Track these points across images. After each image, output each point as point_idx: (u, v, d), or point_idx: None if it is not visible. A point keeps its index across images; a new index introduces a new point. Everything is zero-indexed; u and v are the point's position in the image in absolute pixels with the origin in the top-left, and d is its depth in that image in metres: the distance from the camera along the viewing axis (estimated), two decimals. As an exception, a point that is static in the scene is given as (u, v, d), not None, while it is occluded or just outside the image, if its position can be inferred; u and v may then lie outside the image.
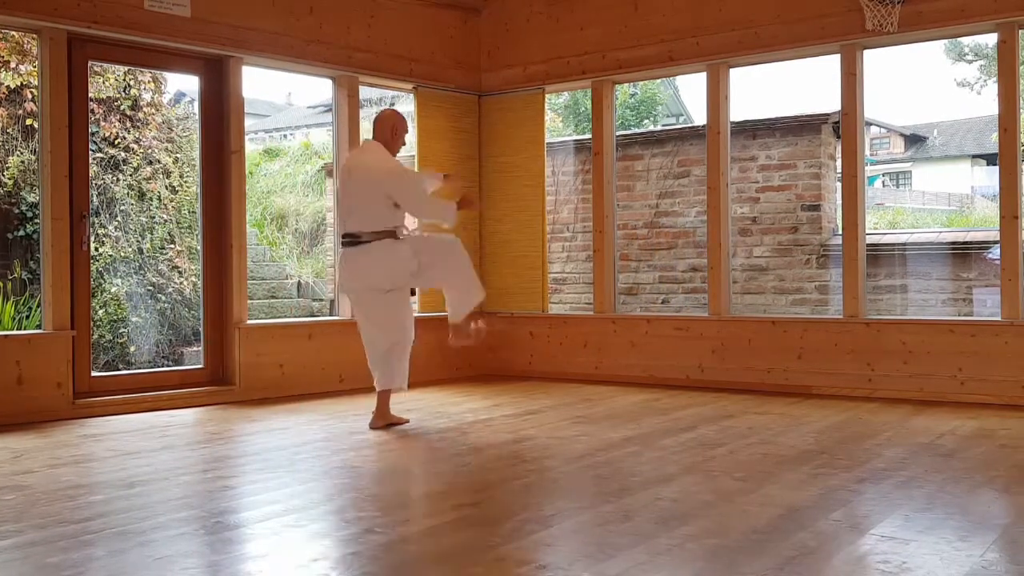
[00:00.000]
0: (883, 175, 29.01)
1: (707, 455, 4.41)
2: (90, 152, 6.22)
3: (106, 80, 8.88)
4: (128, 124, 9.09)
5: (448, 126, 7.78)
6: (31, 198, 8.31)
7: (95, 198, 8.59)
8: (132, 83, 9.08)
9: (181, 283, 9.12)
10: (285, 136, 26.12)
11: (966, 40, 26.02)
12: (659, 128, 19.89)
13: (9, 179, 8.46)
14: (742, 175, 8.34)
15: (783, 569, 2.71)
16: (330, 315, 9.89)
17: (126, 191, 9.04)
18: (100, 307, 8.58)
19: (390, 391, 5.30)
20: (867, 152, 8.35)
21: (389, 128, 5.27)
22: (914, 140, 31.30)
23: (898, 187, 28.60)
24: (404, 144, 5.36)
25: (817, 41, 6.47)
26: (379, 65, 7.28)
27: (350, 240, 5.13)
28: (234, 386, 6.38)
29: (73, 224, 5.81)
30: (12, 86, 8.36)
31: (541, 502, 3.65)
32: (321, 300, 10.63)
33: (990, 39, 12.70)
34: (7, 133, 8.54)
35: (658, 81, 22.52)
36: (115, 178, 8.97)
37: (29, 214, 8.33)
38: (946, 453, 4.41)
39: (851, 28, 6.31)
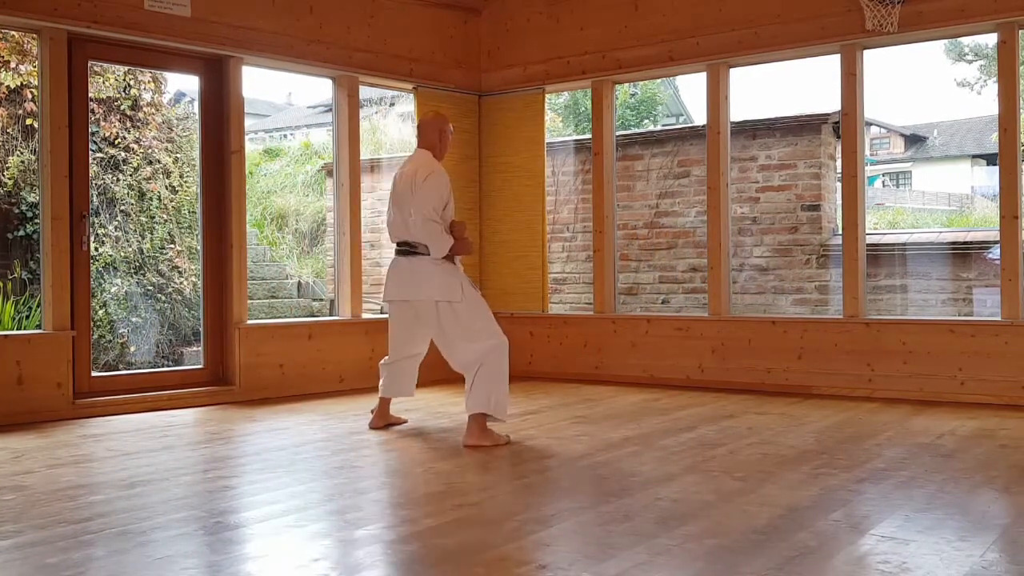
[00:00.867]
0: (883, 175, 29.00)
1: (707, 455, 4.41)
2: (90, 152, 6.22)
3: (106, 80, 8.88)
4: (128, 124, 9.09)
5: (448, 126, 7.77)
6: (31, 198, 8.31)
7: (95, 198, 8.59)
8: (132, 83, 9.08)
9: (181, 283, 9.12)
10: (285, 136, 26.12)
11: (966, 40, 26.00)
12: (659, 128, 19.89)
13: (9, 179, 8.46)
14: (742, 175, 8.34)
15: (783, 569, 2.71)
16: (330, 315, 9.89)
17: (126, 191, 9.04)
18: (100, 307, 8.58)
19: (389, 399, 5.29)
20: (867, 152, 8.35)
21: (436, 132, 5.07)
22: (914, 140, 31.29)
23: (898, 187, 28.60)
24: (449, 147, 5.18)
25: (817, 41, 6.47)
26: (379, 65, 7.28)
27: (404, 249, 4.98)
28: (234, 386, 6.38)
29: (73, 224, 5.81)
30: (12, 86, 8.36)
31: (541, 502, 3.65)
32: (321, 300, 10.63)
33: (990, 39, 12.70)
34: (7, 133, 8.54)
35: (658, 81, 22.52)
36: (115, 178, 8.97)
37: (29, 214, 8.33)
38: (946, 453, 4.41)
39: (851, 28, 6.31)
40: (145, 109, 9.21)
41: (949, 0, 6.02)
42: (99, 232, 8.74)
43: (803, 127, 8.16)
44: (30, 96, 8.30)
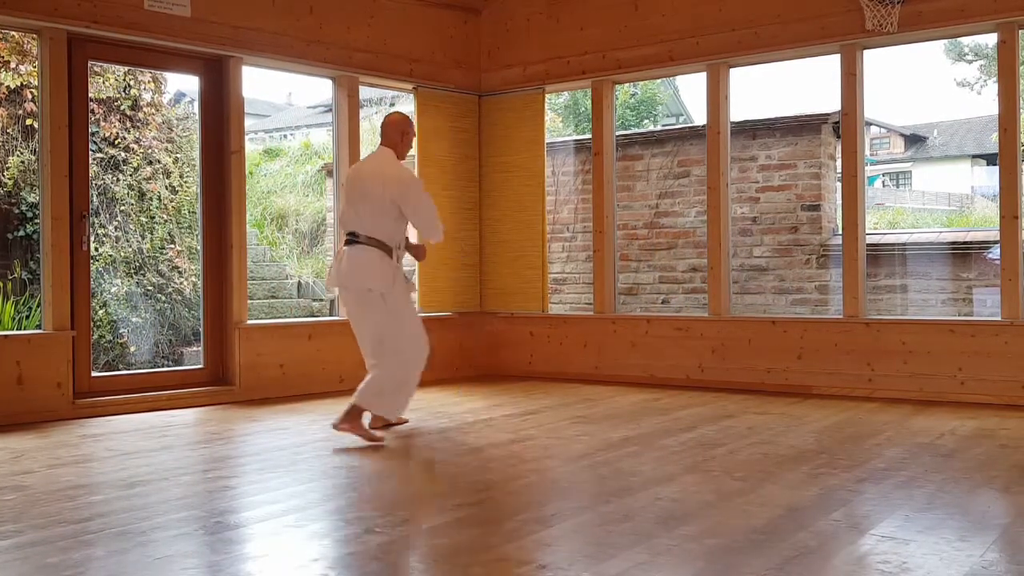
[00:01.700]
0: (883, 175, 29.01)
1: (707, 455, 4.41)
2: (90, 152, 6.22)
3: (106, 80, 8.88)
4: (128, 124, 9.09)
5: (448, 126, 7.78)
6: (31, 198, 8.32)
7: (95, 198, 8.59)
8: (132, 83, 9.08)
9: (181, 283, 9.12)
10: (285, 136, 26.12)
11: (966, 40, 26.03)
12: (659, 128, 19.89)
13: (9, 179, 8.46)
14: (742, 175, 8.34)
15: (783, 569, 2.71)
16: (330, 315, 9.90)
17: (126, 191, 9.04)
18: (100, 307, 8.58)
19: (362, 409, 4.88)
20: (867, 152, 8.35)
21: (398, 132, 5.11)
22: (914, 140, 31.30)
23: (898, 187, 28.60)
24: (410, 147, 5.23)
25: (817, 41, 6.47)
26: (379, 65, 7.28)
27: (350, 239, 4.99)
28: (234, 386, 6.38)
29: (73, 224, 5.81)
30: (12, 86, 8.36)
31: (541, 502, 3.65)
32: (321, 300, 10.63)
33: (990, 39, 12.70)
34: (7, 133, 8.54)
35: (658, 81, 22.51)
36: (115, 178, 8.97)
37: (29, 214, 8.33)
38: (946, 453, 4.41)
39: (851, 28, 6.31)
40: (145, 109, 9.21)
41: (949, 0, 6.02)
42: (99, 232, 8.74)
43: (803, 127, 8.16)
44: (30, 96, 8.30)
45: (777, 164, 8.25)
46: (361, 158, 7.33)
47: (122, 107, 9.05)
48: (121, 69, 8.87)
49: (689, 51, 6.98)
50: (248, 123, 6.80)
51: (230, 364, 6.44)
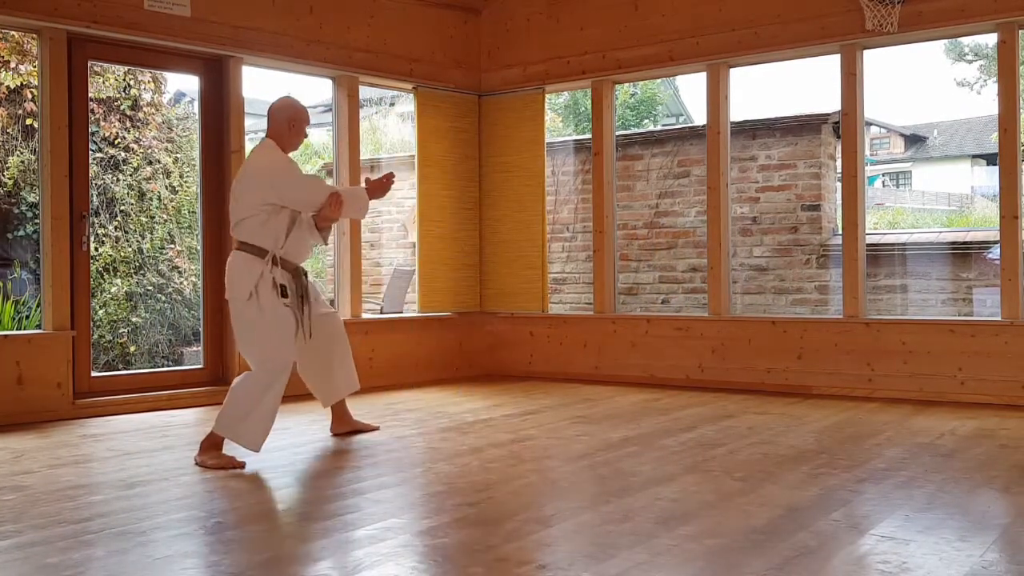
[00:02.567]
0: (883, 175, 29.01)
1: (707, 455, 4.41)
2: (90, 152, 6.22)
3: (106, 80, 8.88)
4: (128, 124, 9.09)
5: (448, 126, 7.78)
6: (31, 198, 8.31)
7: (95, 198, 8.59)
8: (132, 83, 9.08)
9: (181, 283, 9.12)
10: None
11: (966, 40, 26.00)
12: (659, 128, 19.89)
13: (9, 179, 8.46)
14: (742, 175, 8.34)
15: (783, 569, 2.71)
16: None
17: (126, 191, 9.04)
18: (100, 307, 8.58)
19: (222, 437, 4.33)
20: (867, 152, 8.35)
21: (285, 121, 4.49)
22: (914, 140, 31.29)
23: (898, 187, 28.60)
24: (306, 137, 4.63)
25: (817, 41, 6.47)
26: (379, 65, 7.28)
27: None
28: (234, 386, 6.38)
29: (73, 224, 5.81)
30: (12, 86, 8.36)
31: (541, 502, 3.65)
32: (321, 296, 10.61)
33: (990, 39, 12.69)
34: (7, 133, 8.54)
35: (658, 81, 22.51)
36: (115, 178, 8.97)
37: (29, 214, 8.33)
38: (946, 453, 4.41)
39: (851, 28, 6.31)
40: (145, 109, 9.21)
41: (949, 0, 6.02)
42: (99, 232, 8.74)
43: (803, 127, 8.16)
44: (30, 96, 8.30)
45: (777, 164, 8.25)
46: (361, 158, 7.35)
47: (122, 107, 9.05)
48: (121, 69, 8.87)
49: (689, 51, 6.98)
50: (248, 123, 6.80)
51: (230, 364, 6.44)
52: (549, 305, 7.97)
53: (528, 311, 7.76)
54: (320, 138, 18.18)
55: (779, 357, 6.62)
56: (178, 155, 9.48)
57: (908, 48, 7.43)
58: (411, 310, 8.94)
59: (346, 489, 3.84)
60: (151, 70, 8.68)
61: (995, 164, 6.69)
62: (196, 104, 6.80)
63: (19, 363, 5.52)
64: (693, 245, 8.58)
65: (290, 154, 4.61)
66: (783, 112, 8.55)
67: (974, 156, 29.06)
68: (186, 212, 9.34)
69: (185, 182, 9.42)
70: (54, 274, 5.68)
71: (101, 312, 8.59)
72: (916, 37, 6.29)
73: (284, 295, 4.41)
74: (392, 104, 17.75)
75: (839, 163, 7.19)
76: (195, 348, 8.50)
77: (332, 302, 7.24)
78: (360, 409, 5.88)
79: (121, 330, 8.76)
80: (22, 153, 8.49)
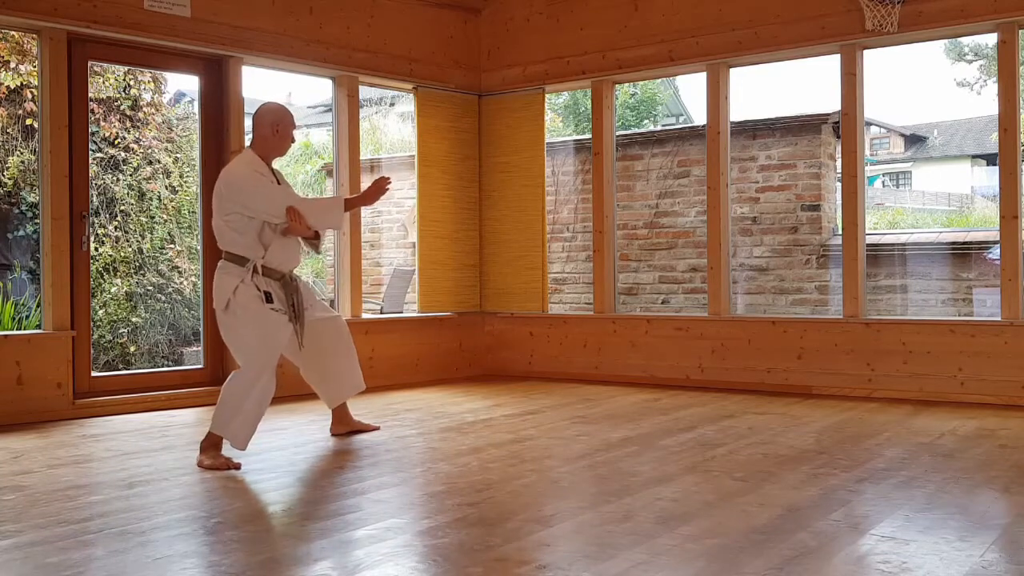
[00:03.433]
0: (883, 175, 29.01)
1: (707, 455, 4.41)
2: (90, 152, 6.22)
3: (106, 80, 8.88)
4: (128, 124, 9.09)
5: (448, 126, 7.78)
6: (31, 198, 8.31)
7: (95, 198, 8.59)
8: (132, 83, 9.08)
9: (181, 283, 9.12)
10: (285, 136, 26.02)
11: (966, 40, 26.00)
12: (659, 128, 19.88)
13: (9, 179, 8.46)
14: (742, 175, 8.34)
15: (783, 569, 2.71)
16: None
17: (126, 191, 9.04)
18: (100, 307, 8.58)
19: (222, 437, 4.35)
20: (867, 152, 8.35)
21: (270, 126, 4.45)
22: (914, 140, 31.29)
23: (898, 187, 28.60)
24: (294, 141, 4.60)
25: (817, 41, 6.47)
26: (379, 65, 7.28)
27: None
28: (234, 386, 6.37)
29: (73, 224, 5.81)
30: (12, 86, 8.36)
31: (541, 502, 3.65)
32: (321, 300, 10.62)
33: (990, 39, 12.70)
34: (7, 133, 8.54)
35: (658, 81, 22.51)
36: (115, 178, 8.97)
37: (29, 214, 8.33)
38: (946, 453, 4.41)
39: (851, 28, 6.31)
40: (145, 109, 9.21)
41: (949, 0, 6.02)
42: (99, 232, 8.74)
43: (803, 127, 8.16)
44: (30, 96, 8.30)
45: (777, 164, 8.25)
46: (361, 158, 7.35)
47: (122, 107, 9.06)
48: (121, 69, 8.87)
49: (689, 51, 6.98)
50: (248, 123, 6.79)
51: (230, 364, 6.43)
52: (549, 305, 7.97)
53: (528, 311, 7.77)
54: (320, 138, 18.19)
55: (779, 357, 6.62)
56: (178, 155, 9.48)
57: (908, 48, 7.44)
58: (411, 310, 8.94)
59: (346, 489, 3.84)
60: (151, 70, 8.69)
61: (995, 164, 6.69)
62: (196, 104, 6.80)
63: (19, 363, 5.52)
64: (693, 245, 8.58)
65: (282, 157, 4.60)
66: (783, 112, 8.55)
67: (974, 156, 29.06)
68: (186, 212, 9.34)
69: (185, 182, 9.42)
70: (54, 274, 5.68)
71: (101, 312, 8.59)
72: (916, 37, 6.29)
73: (269, 301, 4.40)
74: (392, 104, 17.74)
75: (839, 163, 7.19)
76: (195, 348, 8.50)
77: (332, 302, 7.24)
78: (360, 409, 5.88)
79: (121, 330, 8.76)
80: (22, 153, 8.49)
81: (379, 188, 4.69)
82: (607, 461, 4.31)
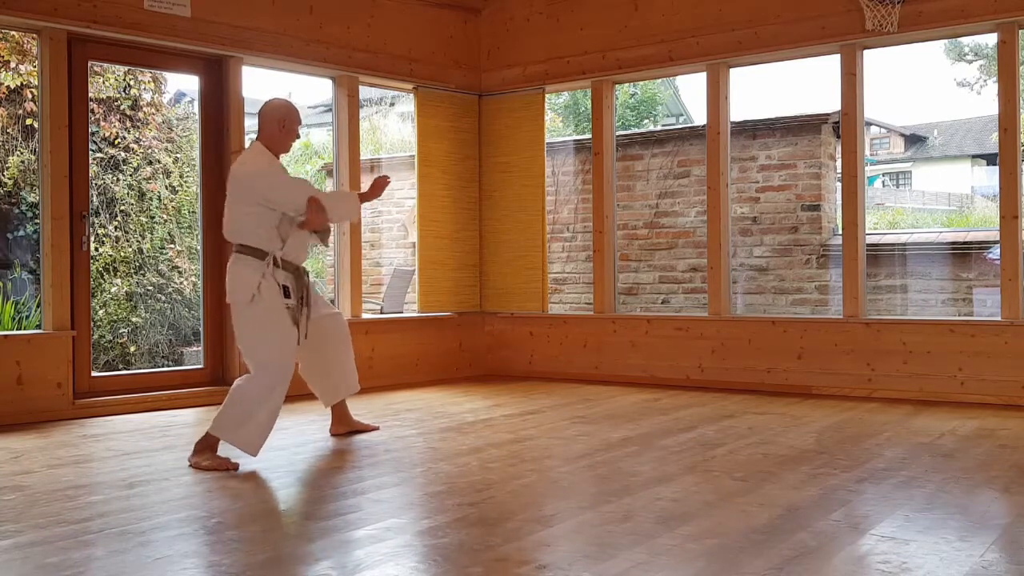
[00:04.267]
0: (883, 175, 29.00)
1: (707, 455, 4.41)
2: (90, 152, 6.22)
3: (106, 80, 8.88)
4: (128, 124, 9.09)
5: (448, 126, 7.78)
6: (31, 198, 8.32)
7: (95, 198, 8.59)
8: (132, 83, 9.08)
9: (181, 283, 9.12)
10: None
11: (966, 40, 25.99)
12: (659, 128, 19.88)
13: (9, 179, 8.46)
14: (742, 175, 8.34)
15: (783, 569, 2.71)
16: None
17: (126, 191, 9.04)
18: (100, 307, 8.58)
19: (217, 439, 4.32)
20: (867, 152, 8.35)
21: (276, 122, 4.47)
22: (914, 140, 31.28)
23: (898, 187, 28.59)
24: (298, 137, 4.62)
25: (817, 41, 6.47)
26: (379, 65, 7.28)
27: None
28: (234, 386, 6.38)
29: (73, 224, 5.81)
30: (12, 86, 8.36)
31: (541, 502, 3.65)
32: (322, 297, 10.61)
33: (990, 39, 12.70)
34: (7, 133, 8.54)
35: (658, 81, 22.51)
36: (115, 178, 8.97)
37: (29, 214, 8.33)
38: (946, 453, 4.41)
39: (851, 28, 6.31)
40: (145, 109, 9.21)
41: (949, 0, 6.02)
42: (99, 232, 8.74)
43: (803, 127, 8.16)
44: (30, 96, 8.30)
45: (777, 164, 8.25)
46: (361, 158, 7.35)
47: (122, 107, 9.05)
48: (121, 69, 8.87)
49: (689, 51, 6.98)
50: (248, 123, 6.79)
51: (230, 364, 6.44)
52: (549, 305, 7.97)
53: (528, 311, 7.77)
54: (320, 138, 18.19)
55: (779, 357, 6.62)
56: (178, 155, 9.48)
57: (908, 48, 7.43)
58: (411, 310, 8.94)
59: (346, 489, 3.84)
60: (151, 70, 8.69)
61: (995, 164, 6.69)
62: (196, 104, 6.80)
63: (19, 363, 5.52)
64: (693, 245, 8.58)
65: (285, 155, 4.63)
66: (783, 112, 8.56)
67: (974, 156, 29.05)
68: (186, 212, 9.34)
69: (185, 182, 9.42)
70: (54, 274, 5.68)
71: (101, 312, 8.59)
72: (916, 37, 6.29)
73: (287, 295, 4.42)
74: (392, 104, 17.74)
75: (839, 163, 7.19)
76: (195, 348, 8.50)
77: (332, 302, 7.24)
78: (360, 409, 5.88)
79: (121, 330, 8.76)
80: (22, 153, 8.49)
81: (381, 184, 4.81)
82: (607, 461, 4.31)
